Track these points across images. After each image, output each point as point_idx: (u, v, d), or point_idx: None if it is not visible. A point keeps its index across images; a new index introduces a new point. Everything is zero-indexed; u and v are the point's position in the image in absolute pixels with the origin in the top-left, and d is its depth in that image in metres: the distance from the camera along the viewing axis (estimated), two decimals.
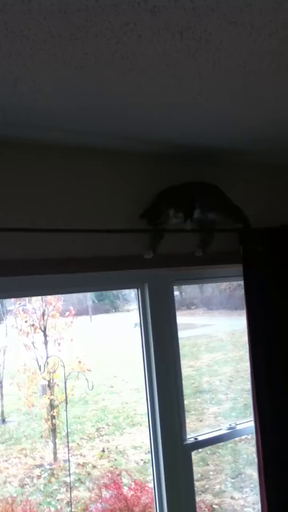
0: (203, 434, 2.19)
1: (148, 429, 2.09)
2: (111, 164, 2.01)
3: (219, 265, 2.22)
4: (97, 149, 1.97)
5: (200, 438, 2.15)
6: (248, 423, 2.28)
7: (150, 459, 2.09)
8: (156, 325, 2.11)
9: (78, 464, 3.52)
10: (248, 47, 1.27)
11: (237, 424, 2.30)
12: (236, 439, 2.99)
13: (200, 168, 2.17)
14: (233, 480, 3.05)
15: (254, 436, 2.14)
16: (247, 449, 3.14)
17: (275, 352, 2.19)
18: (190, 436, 2.13)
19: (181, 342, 2.23)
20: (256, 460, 2.13)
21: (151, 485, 2.21)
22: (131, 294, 2.77)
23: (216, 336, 4.15)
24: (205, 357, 3.88)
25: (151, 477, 2.10)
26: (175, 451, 2.06)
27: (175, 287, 2.22)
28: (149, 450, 2.11)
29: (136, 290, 2.13)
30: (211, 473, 3.17)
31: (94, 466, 3.51)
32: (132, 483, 3.15)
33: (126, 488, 3.13)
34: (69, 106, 1.58)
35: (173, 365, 2.13)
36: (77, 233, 1.87)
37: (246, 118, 1.83)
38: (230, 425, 2.26)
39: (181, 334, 2.25)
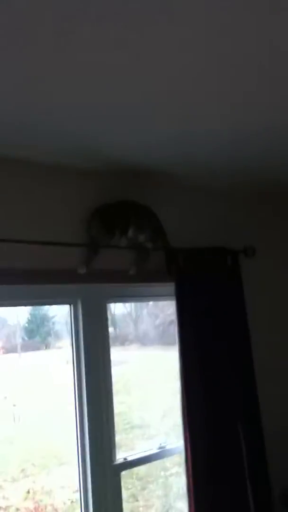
0: (133, 455, 2.15)
1: (76, 455, 2.03)
2: (48, 178, 2.06)
3: (152, 283, 2.28)
4: (36, 162, 2.00)
5: (129, 458, 2.11)
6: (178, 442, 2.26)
7: (78, 483, 2.01)
8: (88, 342, 2.10)
9: (0, 507, 3.25)
10: (178, 63, 1.38)
11: (167, 445, 2.28)
12: (167, 473, 2.94)
13: (134, 187, 2.27)
14: None
15: (183, 457, 2.12)
16: (178, 483, 3.08)
17: (207, 364, 2.23)
18: (120, 457, 2.08)
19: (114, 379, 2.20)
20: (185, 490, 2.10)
21: None
22: (63, 329, 2.73)
23: (150, 370, 4.11)
24: (138, 393, 3.81)
25: None
26: (104, 471, 2.00)
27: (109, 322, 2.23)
28: (77, 489, 2.02)
29: (69, 306, 2.12)
30: (141, 509, 3.06)
31: (17, 510, 3.25)
32: None
33: None
34: (3, 119, 1.61)
35: (104, 384, 2.11)
36: (9, 244, 1.83)
37: (178, 138, 1.95)
38: (160, 444, 2.24)
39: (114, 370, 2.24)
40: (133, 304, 2.71)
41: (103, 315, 2.17)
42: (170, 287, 2.27)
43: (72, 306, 2.11)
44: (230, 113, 1.75)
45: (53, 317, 2.88)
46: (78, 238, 2.05)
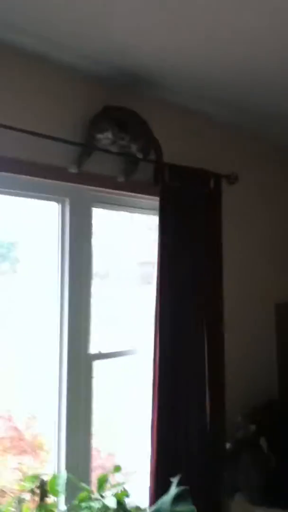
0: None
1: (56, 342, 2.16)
2: (47, 71, 2.06)
3: (138, 194, 2.36)
4: (36, 54, 1.99)
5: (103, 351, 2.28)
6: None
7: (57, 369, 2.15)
8: (73, 242, 2.18)
9: None
10: None
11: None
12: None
13: (132, 97, 2.31)
14: None
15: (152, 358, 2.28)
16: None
17: (181, 277, 2.38)
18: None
19: None
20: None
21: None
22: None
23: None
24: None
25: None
26: (79, 359, 2.15)
27: None
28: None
29: (57, 204, 2.18)
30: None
31: None
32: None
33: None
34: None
35: (85, 284, 2.21)
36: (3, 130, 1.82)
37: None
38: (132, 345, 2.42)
39: None
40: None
41: (89, 217, 2.24)
42: (155, 202, 2.36)
43: (60, 204, 2.17)
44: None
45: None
46: (70, 137, 2.07)
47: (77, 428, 2.14)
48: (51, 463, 2.11)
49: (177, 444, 2.33)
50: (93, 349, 2.22)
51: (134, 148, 2.23)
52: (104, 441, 2.51)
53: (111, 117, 2.09)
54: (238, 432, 2.53)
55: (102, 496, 1.47)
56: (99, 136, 2.08)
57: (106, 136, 2.08)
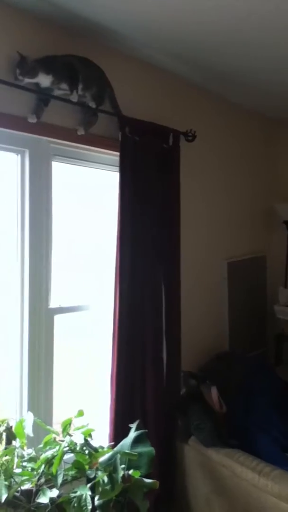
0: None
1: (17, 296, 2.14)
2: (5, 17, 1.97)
3: (98, 148, 2.34)
4: None
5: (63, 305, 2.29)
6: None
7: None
8: (33, 195, 2.14)
9: None
10: None
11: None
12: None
13: (88, 46, 2.26)
14: None
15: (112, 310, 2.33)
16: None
17: (140, 231, 2.42)
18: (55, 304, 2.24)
19: None
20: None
21: None
22: None
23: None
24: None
25: None
26: (40, 312, 2.16)
27: None
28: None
29: (16, 155, 2.12)
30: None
31: None
32: None
33: None
34: None
35: (45, 237, 2.19)
36: None
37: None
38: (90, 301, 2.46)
39: None
40: None
41: (49, 170, 2.20)
42: (115, 157, 2.36)
43: (20, 155, 2.12)
44: None
45: None
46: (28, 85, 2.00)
47: (39, 382, 2.17)
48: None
49: (135, 395, 2.42)
50: (53, 303, 2.23)
51: (88, 96, 2.19)
52: (65, 395, 2.56)
53: (56, 63, 2.02)
54: (182, 389, 2.68)
55: (69, 435, 1.53)
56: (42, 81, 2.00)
57: (47, 81, 2.01)
